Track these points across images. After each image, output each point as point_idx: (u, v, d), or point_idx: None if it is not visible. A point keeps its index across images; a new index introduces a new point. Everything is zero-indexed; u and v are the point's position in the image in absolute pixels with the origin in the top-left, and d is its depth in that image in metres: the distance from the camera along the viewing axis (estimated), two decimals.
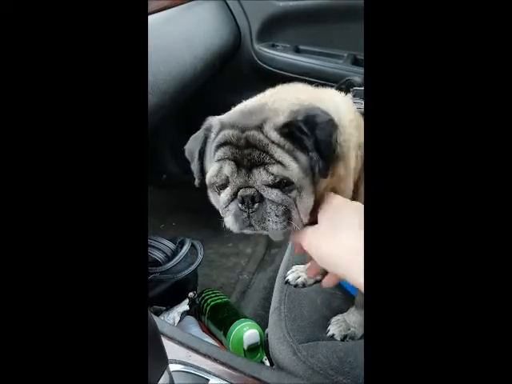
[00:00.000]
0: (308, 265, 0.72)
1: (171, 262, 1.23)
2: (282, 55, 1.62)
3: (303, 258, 1.05)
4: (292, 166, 0.60)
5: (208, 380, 0.69)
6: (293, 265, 1.05)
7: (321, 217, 0.63)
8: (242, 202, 0.61)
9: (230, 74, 1.71)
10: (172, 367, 0.69)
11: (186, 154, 0.73)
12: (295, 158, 0.61)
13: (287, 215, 0.62)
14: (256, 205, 0.61)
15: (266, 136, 0.61)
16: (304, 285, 0.98)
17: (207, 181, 0.66)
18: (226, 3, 1.65)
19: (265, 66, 1.66)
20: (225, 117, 0.67)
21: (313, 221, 0.64)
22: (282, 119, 0.61)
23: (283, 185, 0.61)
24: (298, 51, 1.63)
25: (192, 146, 0.71)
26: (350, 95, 0.78)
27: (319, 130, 0.60)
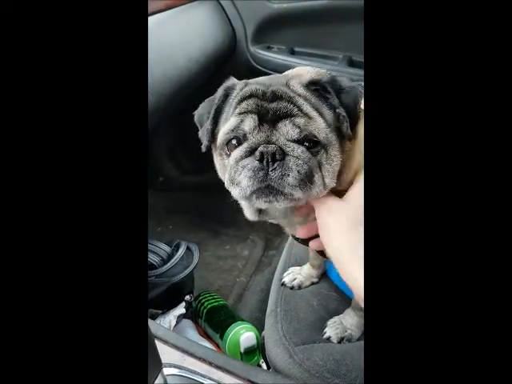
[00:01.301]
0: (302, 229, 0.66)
1: (166, 266, 1.23)
2: (277, 57, 1.62)
3: (300, 259, 1.05)
4: (318, 120, 0.58)
5: (203, 383, 0.68)
6: (289, 267, 1.04)
7: (353, 193, 0.58)
8: (261, 160, 0.56)
9: (226, 76, 1.71)
10: (167, 371, 0.69)
11: (196, 118, 0.70)
12: (321, 113, 0.59)
13: (310, 177, 0.56)
14: (276, 163, 0.56)
15: (293, 90, 0.59)
16: (300, 287, 0.98)
17: (220, 139, 0.62)
18: (221, 6, 1.65)
19: (260, 67, 1.66)
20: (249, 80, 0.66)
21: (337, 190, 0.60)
22: (308, 77, 0.60)
23: (308, 145, 0.57)
24: (293, 53, 1.64)
25: (205, 108, 0.68)
26: None
27: (345, 94, 0.59)
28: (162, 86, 1.21)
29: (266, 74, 1.64)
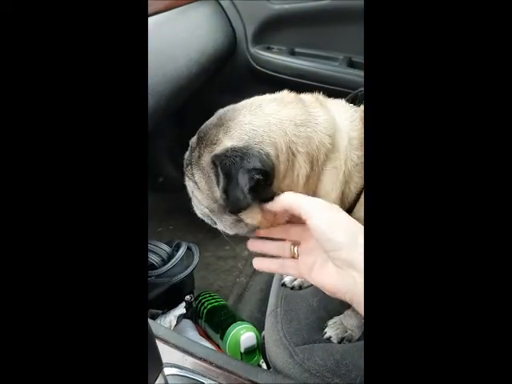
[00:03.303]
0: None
1: (167, 266, 1.23)
2: (277, 58, 1.62)
3: None
4: (205, 193, 0.67)
5: (204, 383, 0.68)
6: None
7: None
8: None
9: (226, 76, 1.71)
10: (167, 371, 0.69)
11: None
12: (211, 188, 0.66)
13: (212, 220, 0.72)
14: None
15: (199, 159, 0.67)
16: (300, 287, 0.98)
17: None
18: (221, 6, 1.65)
19: (260, 68, 1.66)
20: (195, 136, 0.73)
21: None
22: (215, 151, 0.64)
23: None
24: (293, 54, 1.64)
25: None
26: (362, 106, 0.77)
27: (241, 173, 0.60)
28: (162, 87, 1.21)
29: (266, 74, 1.65)
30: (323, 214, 0.56)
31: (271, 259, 0.67)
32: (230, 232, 0.71)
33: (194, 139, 0.70)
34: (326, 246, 0.55)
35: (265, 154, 0.61)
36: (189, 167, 0.69)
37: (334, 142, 0.65)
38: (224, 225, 0.70)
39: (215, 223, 0.72)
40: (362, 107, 0.76)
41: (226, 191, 0.62)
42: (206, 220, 0.74)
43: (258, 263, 0.68)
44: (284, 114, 0.65)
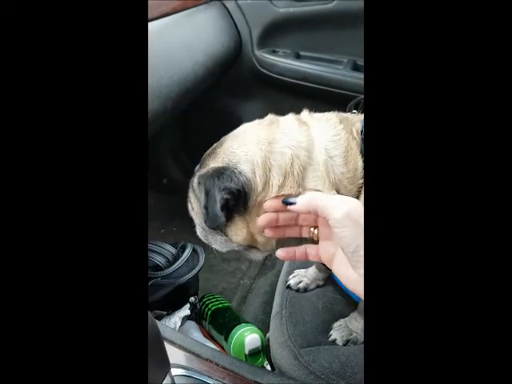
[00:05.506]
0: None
1: (172, 267, 1.23)
2: (282, 61, 1.63)
3: (305, 262, 1.06)
4: (196, 209, 0.77)
5: None
6: (294, 269, 1.05)
7: None
8: None
9: (232, 79, 1.72)
10: (173, 371, 0.70)
11: None
12: (199, 206, 0.73)
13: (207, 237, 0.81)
14: None
15: (193, 182, 0.76)
16: (306, 289, 0.99)
17: None
18: (227, 9, 1.66)
19: (265, 71, 1.67)
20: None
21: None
22: (200, 173, 0.71)
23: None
24: (298, 57, 1.64)
25: None
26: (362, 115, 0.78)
27: (211, 196, 0.67)
28: (168, 89, 1.21)
29: (271, 77, 1.66)
30: (350, 224, 0.54)
31: (294, 248, 0.66)
32: (224, 250, 0.80)
33: (197, 168, 0.78)
34: (350, 257, 0.54)
35: (239, 171, 0.67)
36: (188, 191, 0.78)
37: (311, 156, 0.70)
38: (217, 244, 0.79)
39: (212, 243, 0.79)
40: (360, 117, 0.77)
41: (206, 207, 0.67)
42: (206, 241, 0.81)
43: (282, 253, 0.67)
44: (260, 136, 0.71)
